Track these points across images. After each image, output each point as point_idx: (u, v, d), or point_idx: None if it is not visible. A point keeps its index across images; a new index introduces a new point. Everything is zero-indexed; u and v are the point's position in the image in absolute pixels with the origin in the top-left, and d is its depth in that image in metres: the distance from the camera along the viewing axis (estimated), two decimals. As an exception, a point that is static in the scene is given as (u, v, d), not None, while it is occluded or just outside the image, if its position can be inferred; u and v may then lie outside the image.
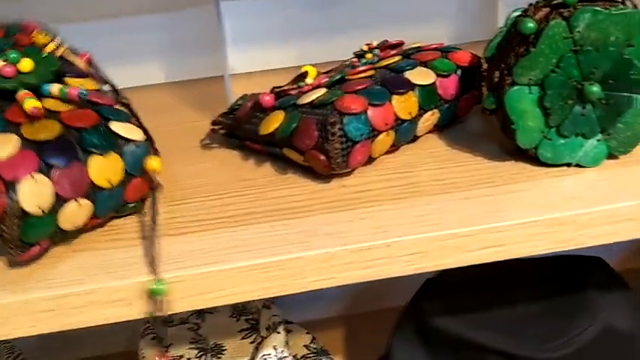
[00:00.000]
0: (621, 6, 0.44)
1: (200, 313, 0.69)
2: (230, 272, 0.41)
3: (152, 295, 0.40)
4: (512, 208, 0.43)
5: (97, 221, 0.44)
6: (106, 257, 0.43)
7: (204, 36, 0.72)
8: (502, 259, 0.43)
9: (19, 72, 0.43)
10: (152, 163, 0.44)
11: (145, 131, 0.46)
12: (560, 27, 0.44)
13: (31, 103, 0.41)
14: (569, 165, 0.47)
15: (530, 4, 0.46)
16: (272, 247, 0.42)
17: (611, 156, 0.48)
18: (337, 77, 0.52)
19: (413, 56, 0.54)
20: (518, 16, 0.46)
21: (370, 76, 0.51)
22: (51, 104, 0.43)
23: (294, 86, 0.53)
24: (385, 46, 0.59)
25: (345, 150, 0.46)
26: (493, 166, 0.49)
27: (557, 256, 0.67)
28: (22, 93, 0.42)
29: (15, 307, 0.40)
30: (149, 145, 0.45)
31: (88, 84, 0.47)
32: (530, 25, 0.44)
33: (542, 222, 0.42)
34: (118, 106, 0.46)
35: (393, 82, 0.50)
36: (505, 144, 0.50)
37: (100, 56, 0.73)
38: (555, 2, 0.45)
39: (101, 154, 0.42)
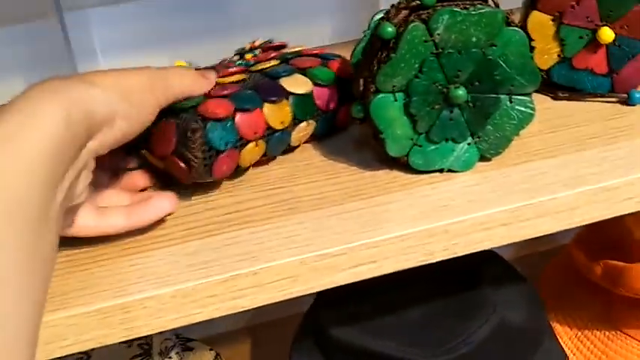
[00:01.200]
0: (480, 5, 0.42)
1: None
2: (77, 318, 0.37)
3: None
4: (385, 222, 0.42)
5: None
6: None
7: (53, 49, 0.67)
8: (376, 275, 0.42)
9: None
10: None
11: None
12: (419, 30, 0.42)
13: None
14: (441, 171, 0.46)
15: (392, 6, 0.44)
16: (124, 285, 0.39)
17: (483, 158, 0.47)
18: None
19: (291, 61, 0.51)
20: (380, 19, 0.44)
21: (241, 80, 0.48)
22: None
23: None
24: (267, 47, 0.56)
25: (209, 159, 0.43)
26: (368, 176, 0.47)
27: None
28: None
29: None
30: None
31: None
32: (389, 29, 0.42)
33: (414, 234, 0.41)
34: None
35: (265, 89, 0.47)
36: (379, 152, 0.48)
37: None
38: (414, 4, 0.43)
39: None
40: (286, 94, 0.48)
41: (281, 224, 0.43)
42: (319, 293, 0.65)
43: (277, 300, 0.41)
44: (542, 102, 0.53)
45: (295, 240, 0.41)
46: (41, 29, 0.66)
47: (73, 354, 0.66)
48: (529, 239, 0.44)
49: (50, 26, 0.65)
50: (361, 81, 0.44)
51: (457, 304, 0.62)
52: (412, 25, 0.41)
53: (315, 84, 0.49)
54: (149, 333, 0.39)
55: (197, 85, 0.45)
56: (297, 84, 0.49)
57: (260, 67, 0.51)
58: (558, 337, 0.68)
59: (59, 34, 0.58)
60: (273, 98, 0.47)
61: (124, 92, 0.38)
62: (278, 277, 0.40)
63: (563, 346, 0.68)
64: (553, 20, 0.52)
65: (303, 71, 0.50)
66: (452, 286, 0.63)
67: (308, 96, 0.49)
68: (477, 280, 0.63)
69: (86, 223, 0.40)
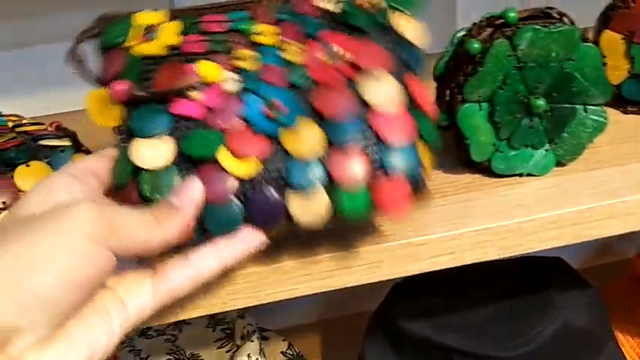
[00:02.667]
0: (560, 23, 0.46)
1: (177, 325, 0.71)
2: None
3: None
4: (463, 217, 0.46)
5: None
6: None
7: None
8: (454, 265, 0.46)
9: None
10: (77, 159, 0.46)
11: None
12: (503, 46, 0.46)
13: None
14: (520, 175, 0.50)
15: (474, 24, 0.49)
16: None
17: (559, 164, 0.50)
18: None
19: None
20: (463, 36, 0.49)
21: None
22: None
23: None
24: None
25: None
26: (449, 178, 0.51)
27: (519, 257, 0.70)
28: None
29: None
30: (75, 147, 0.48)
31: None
32: (476, 45, 0.47)
33: (491, 230, 0.45)
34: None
35: None
36: (459, 157, 0.52)
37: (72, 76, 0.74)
38: (498, 22, 0.47)
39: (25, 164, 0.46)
40: None
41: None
42: (393, 287, 0.70)
43: (363, 282, 0.45)
44: (612, 115, 0.56)
45: (380, 230, 0.46)
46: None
47: (164, 331, 0.72)
48: (596, 250, 0.47)
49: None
50: (447, 92, 0.49)
51: (523, 305, 0.65)
52: (498, 41, 0.46)
53: None
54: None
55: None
56: None
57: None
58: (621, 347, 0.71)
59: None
60: None
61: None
62: (364, 262, 0.45)
63: (626, 355, 0.70)
64: (624, 39, 0.56)
65: None
66: (519, 288, 0.66)
67: None
68: (543, 284, 0.66)
69: (179, 282, 0.35)
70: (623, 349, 0.70)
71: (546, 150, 0.50)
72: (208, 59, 0.38)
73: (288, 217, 0.37)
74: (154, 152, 0.36)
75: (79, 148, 0.47)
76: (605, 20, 0.57)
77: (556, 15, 0.48)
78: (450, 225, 0.45)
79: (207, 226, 0.36)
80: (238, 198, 0.36)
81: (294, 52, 0.39)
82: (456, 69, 0.48)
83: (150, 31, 0.39)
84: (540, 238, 0.46)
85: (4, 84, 0.74)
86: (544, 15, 0.48)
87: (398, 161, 0.37)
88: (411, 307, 0.66)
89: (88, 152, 0.47)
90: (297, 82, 0.38)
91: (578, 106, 0.49)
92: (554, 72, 0.47)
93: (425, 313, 0.65)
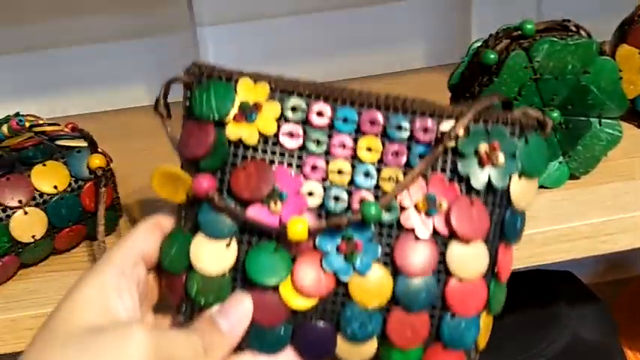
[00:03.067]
0: (577, 36, 0.47)
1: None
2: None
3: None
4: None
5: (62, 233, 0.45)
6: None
7: (184, 61, 0.74)
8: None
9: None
10: (95, 160, 0.46)
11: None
12: (520, 57, 0.46)
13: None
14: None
15: (491, 35, 0.49)
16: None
17: (572, 177, 0.50)
18: None
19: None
20: (479, 47, 0.49)
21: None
22: (6, 143, 0.47)
23: None
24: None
25: None
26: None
27: (530, 270, 0.70)
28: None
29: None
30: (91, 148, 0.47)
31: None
32: (492, 56, 0.47)
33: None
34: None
35: None
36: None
37: (88, 79, 0.76)
38: (515, 34, 0.47)
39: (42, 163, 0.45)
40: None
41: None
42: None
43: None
44: (627, 129, 0.56)
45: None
46: (173, 43, 0.74)
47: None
48: (605, 265, 0.47)
49: (183, 40, 0.73)
50: (462, 101, 0.49)
51: (533, 318, 0.65)
52: (514, 52, 0.46)
53: None
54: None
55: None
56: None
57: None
58: (629, 362, 0.70)
59: (191, 48, 0.65)
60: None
61: None
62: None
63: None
64: (640, 54, 0.56)
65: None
66: (530, 301, 0.66)
67: None
68: (554, 298, 0.66)
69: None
70: (631, 365, 0.70)
71: (560, 162, 0.50)
72: (301, 158, 0.34)
73: (334, 355, 0.34)
74: (214, 257, 0.33)
75: (94, 149, 0.47)
76: (622, 34, 0.57)
77: (573, 28, 0.48)
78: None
79: (250, 344, 0.34)
80: (287, 322, 0.34)
81: (389, 182, 0.34)
82: (472, 79, 0.48)
83: (249, 111, 0.34)
84: (552, 250, 0.46)
85: (20, 85, 0.75)
86: (561, 27, 0.48)
87: (459, 333, 0.34)
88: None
89: (103, 154, 0.47)
90: (384, 220, 0.33)
91: (593, 119, 0.48)
92: (570, 84, 0.47)
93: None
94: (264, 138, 0.34)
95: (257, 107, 0.34)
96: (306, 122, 0.34)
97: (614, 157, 0.51)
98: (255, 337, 0.33)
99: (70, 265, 0.47)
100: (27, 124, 0.50)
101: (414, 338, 0.34)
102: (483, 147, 0.33)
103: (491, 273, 0.35)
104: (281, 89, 0.34)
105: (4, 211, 0.43)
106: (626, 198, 0.48)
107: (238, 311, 0.33)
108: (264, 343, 0.34)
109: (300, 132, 0.34)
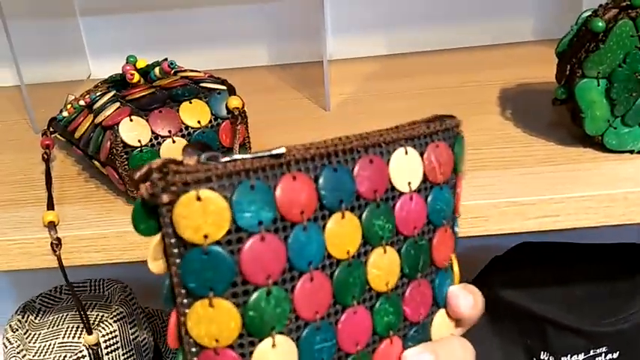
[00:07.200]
0: (686, 8, 0.49)
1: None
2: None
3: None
4: (570, 183, 0.49)
5: None
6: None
7: (307, 23, 0.81)
8: (559, 228, 0.49)
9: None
10: (233, 101, 0.52)
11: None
12: (627, 26, 0.49)
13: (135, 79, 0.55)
14: (632, 152, 0.52)
15: (600, 5, 0.51)
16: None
17: (667, 145, 0.52)
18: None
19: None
20: (588, 16, 0.52)
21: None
22: (158, 83, 0.55)
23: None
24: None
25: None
26: (560, 148, 0.54)
27: (619, 243, 0.72)
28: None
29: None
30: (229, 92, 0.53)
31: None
32: (600, 24, 0.50)
33: (596, 197, 0.48)
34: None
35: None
36: (573, 131, 0.55)
37: (214, 38, 0.84)
38: (624, 4, 0.50)
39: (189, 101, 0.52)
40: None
41: (477, 175, 0.51)
42: (492, 259, 0.74)
43: (470, 235, 0.50)
44: None
45: (488, 189, 0.50)
46: (299, 7, 0.80)
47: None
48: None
49: (308, 5, 0.78)
50: (567, 67, 0.52)
51: (620, 287, 0.67)
52: (622, 21, 0.49)
53: None
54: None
55: None
56: None
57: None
58: None
59: (315, 13, 0.70)
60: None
61: None
62: (472, 216, 0.49)
63: None
64: None
65: None
66: (619, 270, 0.68)
67: None
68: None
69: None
70: None
71: (656, 130, 0.52)
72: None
73: None
74: None
75: (232, 92, 0.54)
76: None
77: (683, 1, 0.50)
78: (558, 189, 0.49)
79: None
80: None
81: None
82: (579, 46, 0.51)
83: None
84: (642, 211, 0.48)
85: (161, 41, 0.84)
86: (671, 0, 0.50)
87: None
88: (510, 277, 0.70)
89: (240, 98, 0.54)
90: None
91: (696, 90, 0.50)
92: (676, 55, 0.49)
93: (523, 283, 0.68)
94: None
95: None
96: None
97: None
98: None
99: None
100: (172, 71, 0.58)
101: None
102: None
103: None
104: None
105: (156, 138, 0.51)
106: None
107: None
108: None
109: None
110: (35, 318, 0.74)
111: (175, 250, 0.28)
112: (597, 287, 0.67)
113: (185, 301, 0.29)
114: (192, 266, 0.28)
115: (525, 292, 0.68)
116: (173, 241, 0.28)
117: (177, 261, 0.28)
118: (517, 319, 0.67)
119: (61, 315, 0.73)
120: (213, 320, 0.28)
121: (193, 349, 0.29)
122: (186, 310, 0.29)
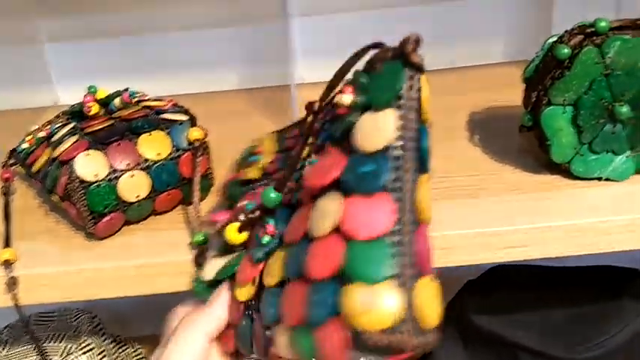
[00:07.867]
0: (649, 35, 0.48)
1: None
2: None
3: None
4: (538, 214, 0.48)
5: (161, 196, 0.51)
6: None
7: (275, 47, 0.80)
8: (525, 258, 0.48)
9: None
10: (194, 133, 0.52)
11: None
12: (592, 53, 0.48)
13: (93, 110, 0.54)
14: (599, 179, 0.52)
15: (566, 31, 0.51)
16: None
17: (639, 171, 0.52)
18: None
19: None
20: (554, 42, 0.51)
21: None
22: (118, 114, 0.54)
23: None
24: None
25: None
26: (528, 176, 0.54)
27: (595, 266, 0.71)
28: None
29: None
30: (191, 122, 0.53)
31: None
32: (565, 51, 0.49)
33: (564, 227, 0.47)
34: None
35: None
36: (541, 159, 0.54)
37: (182, 63, 0.82)
38: (588, 31, 0.49)
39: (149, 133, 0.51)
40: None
41: (444, 205, 0.51)
42: (466, 283, 0.73)
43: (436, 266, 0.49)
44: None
45: (456, 219, 0.49)
46: (267, 31, 0.80)
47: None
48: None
49: (276, 29, 0.78)
50: (534, 94, 0.52)
51: (596, 312, 0.66)
52: (587, 48, 0.48)
53: None
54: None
55: None
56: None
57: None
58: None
59: (283, 37, 0.69)
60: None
61: None
62: (439, 247, 0.48)
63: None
64: None
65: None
66: (594, 295, 0.67)
67: None
68: (618, 293, 0.67)
69: None
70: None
71: (627, 156, 0.51)
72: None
73: None
74: None
75: (194, 123, 0.53)
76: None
77: (647, 27, 0.49)
78: (525, 219, 0.48)
79: None
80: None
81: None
82: (545, 72, 0.51)
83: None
84: (611, 240, 0.48)
85: (128, 66, 0.82)
86: (635, 26, 0.49)
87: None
88: (483, 302, 0.69)
89: (202, 128, 0.52)
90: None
91: (662, 116, 0.50)
92: (641, 81, 0.49)
93: (496, 309, 0.68)
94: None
95: None
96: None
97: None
98: None
99: (167, 224, 0.53)
100: (134, 100, 0.56)
101: None
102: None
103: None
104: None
105: (113, 172, 0.49)
106: (691, 194, 0.49)
107: None
108: None
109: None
110: (2, 350, 0.72)
111: None
112: (572, 312, 0.66)
113: None
114: None
115: (498, 318, 0.67)
116: None
117: None
118: (489, 345, 0.67)
119: (29, 347, 0.71)
120: None
121: None
122: None
